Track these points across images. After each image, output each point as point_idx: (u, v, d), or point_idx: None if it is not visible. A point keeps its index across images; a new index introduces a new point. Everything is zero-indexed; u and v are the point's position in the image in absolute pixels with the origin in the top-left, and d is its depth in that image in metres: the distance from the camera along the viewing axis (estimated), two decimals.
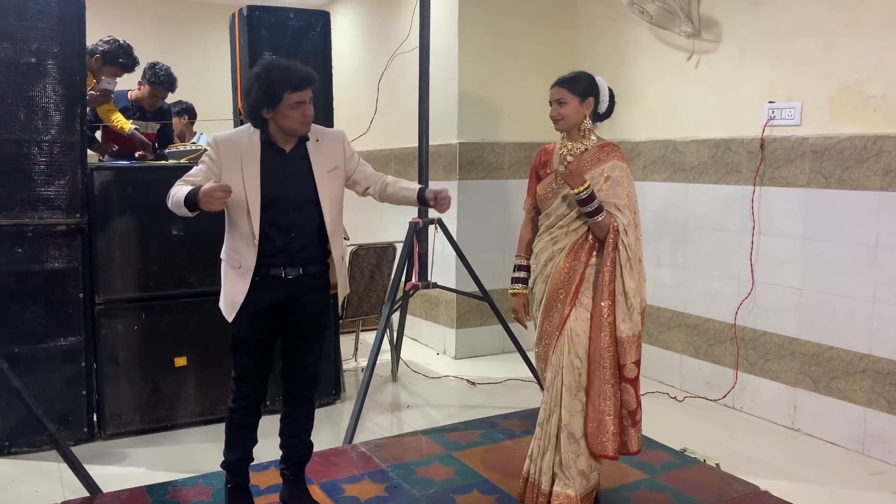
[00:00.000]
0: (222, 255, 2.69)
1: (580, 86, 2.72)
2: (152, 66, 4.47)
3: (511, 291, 2.95)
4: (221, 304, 2.67)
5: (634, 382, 2.65)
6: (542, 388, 2.89)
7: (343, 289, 2.81)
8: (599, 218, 2.61)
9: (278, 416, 2.86)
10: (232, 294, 2.62)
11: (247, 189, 2.56)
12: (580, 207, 2.63)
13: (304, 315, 2.71)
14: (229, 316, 2.63)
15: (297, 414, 2.83)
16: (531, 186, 2.88)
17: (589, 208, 2.61)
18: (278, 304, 2.65)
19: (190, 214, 2.51)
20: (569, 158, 2.67)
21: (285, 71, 2.52)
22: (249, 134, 2.62)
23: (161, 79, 4.46)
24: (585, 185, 2.58)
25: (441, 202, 2.75)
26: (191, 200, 2.45)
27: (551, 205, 2.75)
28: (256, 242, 2.57)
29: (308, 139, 2.66)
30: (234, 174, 2.57)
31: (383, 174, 2.88)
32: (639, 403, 2.69)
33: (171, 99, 4.90)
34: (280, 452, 2.87)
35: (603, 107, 2.76)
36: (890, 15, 3.36)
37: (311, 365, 2.81)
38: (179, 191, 2.52)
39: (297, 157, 2.65)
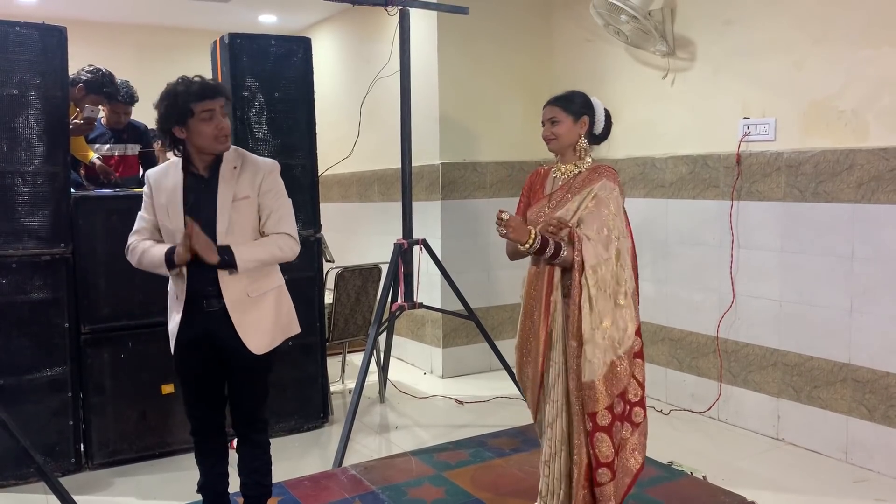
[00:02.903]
0: (169, 285, 2.68)
1: (574, 104, 2.60)
2: None
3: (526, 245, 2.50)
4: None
5: (610, 430, 2.47)
6: (521, 391, 2.79)
7: (260, 333, 2.59)
8: (562, 256, 2.46)
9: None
10: (171, 325, 2.63)
11: (171, 220, 2.55)
12: (537, 256, 2.50)
13: (229, 351, 2.59)
14: (171, 346, 2.63)
15: (245, 453, 2.75)
16: (520, 207, 2.77)
17: (546, 255, 2.46)
18: (203, 338, 2.58)
19: (169, 273, 2.54)
20: (505, 216, 2.42)
21: (188, 83, 2.49)
22: (176, 164, 2.61)
23: (116, 94, 4.34)
24: (532, 238, 2.43)
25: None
26: (168, 259, 2.50)
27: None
28: (185, 272, 2.54)
29: (221, 162, 2.57)
30: (163, 207, 2.57)
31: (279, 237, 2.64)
32: (602, 463, 2.47)
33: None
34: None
35: (598, 127, 2.64)
36: (857, 33, 3.46)
37: (245, 404, 2.69)
38: (147, 253, 2.56)
39: (212, 183, 2.57)
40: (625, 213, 2.63)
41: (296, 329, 2.77)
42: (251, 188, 2.58)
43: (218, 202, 2.54)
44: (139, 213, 2.67)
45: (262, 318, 2.61)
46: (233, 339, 2.57)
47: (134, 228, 2.65)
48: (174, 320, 2.61)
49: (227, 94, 2.57)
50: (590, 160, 2.63)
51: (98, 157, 4.31)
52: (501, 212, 2.42)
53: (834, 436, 3.62)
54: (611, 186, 2.53)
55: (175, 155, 2.61)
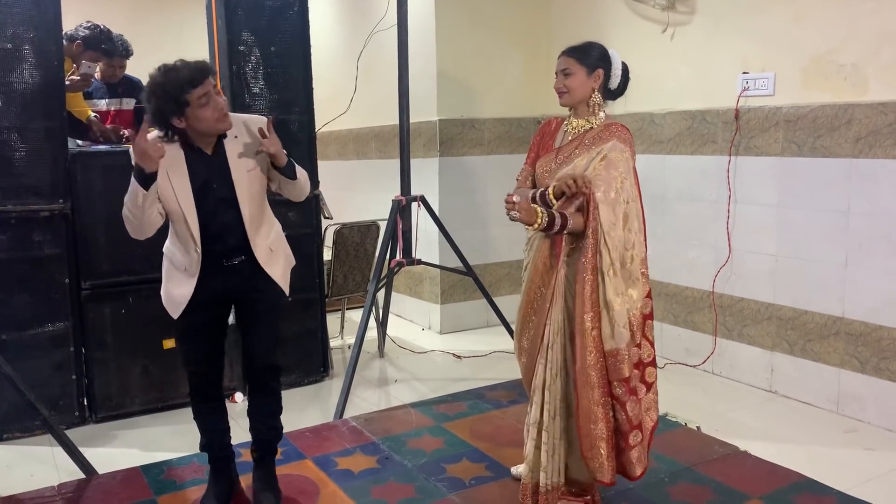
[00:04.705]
0: (166, 252, 2.64)
1: (589, 56, 2.50)
2: None
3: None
4: (165, 302, 2.64)
5: (623, 401, 2.44)
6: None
7: (284, 276, 2.74)
8: (570, 226, 2.40)
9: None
10: (177, 295, 2.59)
11: (180, 200, 2.50)
12: (547, 231, 2.43)
13: (248, 302, 2.68)
14: (174, 313, 2.60)
15: (259, 402, 2.81)
16: (530, 157, 2.68)
17: (553, 230, 2.41)
18: (219, 293, 2.63)
19: (141, 192, 2.41)
20: (579, 156, 2.33)
21: (175, 71, 2.40)
22: (168, 144, 2.49)
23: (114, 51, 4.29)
24: (539, 217, 2.37)
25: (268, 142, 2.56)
26: (136, 173, 2.39)
27: (547, 186, 2.52)
28: (199, 251, 2.54)
29: (226, 136, 2.56)
30: (165, 186, 2.49)
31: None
32: (635, 426, 2.47)
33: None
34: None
35: (614, 82, 2.54)
36: None
37: (265, 353, 2.74)
38: (125, 203, 2.47)
39: (219, 158, 2.57)
40: (635, 174, 2.56)
41: (293, 261, 2.84)
42: (257, 146, 2.61)
43: (234, 180, 2.56)
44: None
45: (284, 264, 2.74)
46: (257, 290, 2.66)
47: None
48: (182, 290, 2.58)
49: (213, 69, 2.50)
50: (603, 115, 2.54)
51: (95, 115, 4.29)
52: (510, 195, 2.36)
53: (826, 388, 3.68)
54: (621, 147, 2.45)
55: (170, 140, 2.49)
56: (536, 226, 2.38)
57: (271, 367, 2.79)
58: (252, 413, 2.82)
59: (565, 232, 2.43)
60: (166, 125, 2.45)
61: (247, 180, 2.58)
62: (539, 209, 2.39)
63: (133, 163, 2.41)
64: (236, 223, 2.59)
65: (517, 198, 2.36)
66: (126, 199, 2.47)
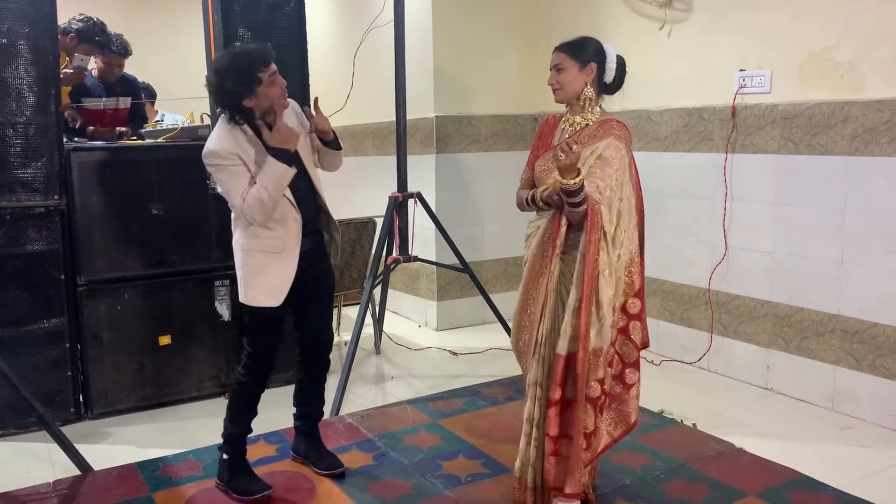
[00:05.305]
0: (250, 246, 2.66)
1: (581, 51, 2.47)
2: None
3: (544, 191, 2.48)
4: (255, 294, 2.66)
5: (596, 402, 2.44)
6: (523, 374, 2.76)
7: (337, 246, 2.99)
8: (581, 209, 2.34)
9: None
10: (278, 277, 2.66)
11: None
12: (565, 196, 2.34)
13: (317, 282, 2.85)
14: (277, 300, 2.66)
15: (317, 377, 3.02)
16: (531, 158, 2.65)
17: (574, 199, 2.32)
18: (301, 274, 2.73)
19: (291, 171, 2.56)
20: (575, 147, 2.27)
21: (247, 54, 2.53)
22: (239, 131, 2.58)
23: (111, 46, 4.26)
24: (579, 176, 2.28)
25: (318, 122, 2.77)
26: (283, 156, 2.53)
27: (548, 184, 2.47)
28: (300, 217, 2.66)
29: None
30: (256, 170, 2.59)
31: None
32: (598, 426, 2.48)
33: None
34: (293, 412, 3.11)
35: (609, 75, 2.49)
36: None
37: (328, 327, 2.98)
38: (259, 189, 2.53)
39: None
40: (635, 169, 2.55)
41: None
42: (302, 127, 2.78)
43: (300, 150, 2.68)
44: (229, 188, 2.57)
45: None
46: (320, 270, 2.87)
47: (237, 199, 2.57)
48: (285, 270, 2.66)
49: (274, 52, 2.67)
50: (598, 111, 2.52)
51: (72, 106, 4.23)
52: (569, 143, 2.35)
53: (821, 385, 3.69)
54: (616, 144, 2.42)
55: (238, 124, 2.58)
56: (573, 182, 2.28)
57: (331, 341, 3.03)
58: (306, 390, 3.02)
59: (578, 210, 2.34)
60: (237, 107, 2.55)
61: (306, 150, 2.76)
62: (581, 170, 2.33)
63: (274, 152, 2.54)
64: (310, 189, 2.76)
65: (578, 148, 2.36)
66: (265, 191, 2.54)
